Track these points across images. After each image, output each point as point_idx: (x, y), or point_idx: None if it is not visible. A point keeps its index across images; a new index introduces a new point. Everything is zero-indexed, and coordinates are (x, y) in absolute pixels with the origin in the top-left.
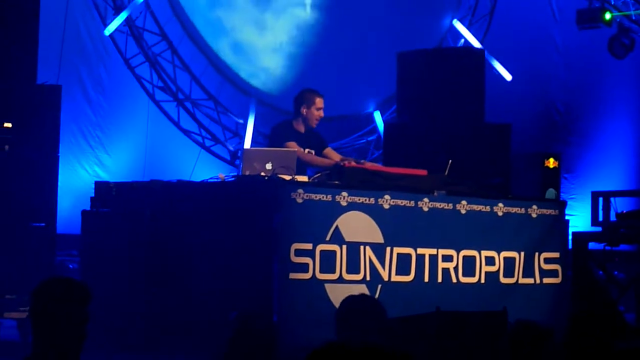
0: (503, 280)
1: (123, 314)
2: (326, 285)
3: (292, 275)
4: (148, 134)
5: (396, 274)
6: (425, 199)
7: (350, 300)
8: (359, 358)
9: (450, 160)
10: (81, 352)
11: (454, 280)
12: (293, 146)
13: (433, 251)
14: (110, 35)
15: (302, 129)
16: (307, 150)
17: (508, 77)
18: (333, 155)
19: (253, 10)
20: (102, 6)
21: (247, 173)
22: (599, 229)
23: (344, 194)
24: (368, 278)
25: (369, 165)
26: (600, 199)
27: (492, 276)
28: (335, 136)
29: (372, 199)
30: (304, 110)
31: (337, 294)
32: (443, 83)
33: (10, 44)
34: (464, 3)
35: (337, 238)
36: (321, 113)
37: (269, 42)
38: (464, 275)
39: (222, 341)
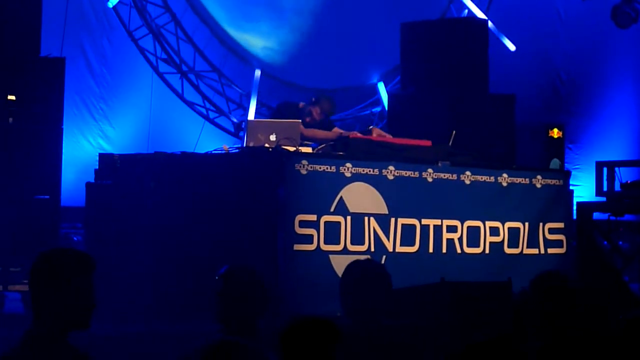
0: (507, 250)
1: (129, 285)
2: (331, 256)
3: (297, 247)
4: (152, 106)
5: (401, 245)
6: (430, 170)
7: (353, 266)
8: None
9: (454, 131)
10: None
11: (459, 250)
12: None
13: (437, 222)
14: (114, 7)
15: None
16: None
17: (512, 47)
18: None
19: None
20: None
21: (251, 144)
22: (603, 199)
23: (348, 165)
24: (372, 249)
25: (376, 132)
26: (605, 169)
27: (496, 246)
28: (339, 108)
29: (376, 170)
30: (309, 104)
31: (341, 265)
32: (447, 54)
33: (14, 17)
34: None
35: (342, 209)
36: (307, 119)
37: (273, 13)
38: (468, 245)
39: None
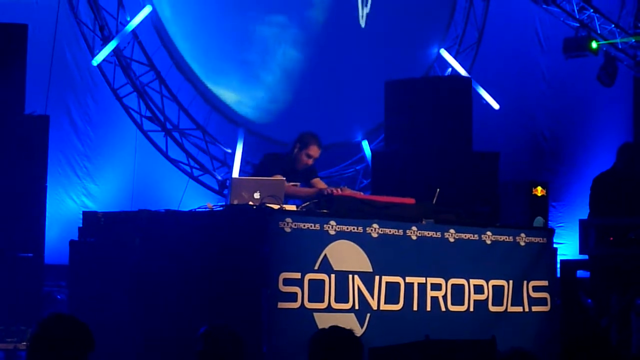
0: (492, 308)
1: (112, 344)
2: (315, 314)
3: (281, 305)
4: (136, 164)
5: (385, 303)
6: (414, 228)
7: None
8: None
9: (438, 189)
10: None
11: (443, 308)
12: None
13: (422, 280)
14: (98, 65)
15: (292, 164)
16: (292, 183)
17: (495, 105)
18: (320, 186)
19: (241, 40)
20: (89, 36)
21: (236, 202)
22: (587, 257)
23: (332, 222)
24: (357, 307)
25: (348, 192)
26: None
27: (481, 304)
28: (323, 165)
29: (360, 228)
30: (295, 150)
31: (326, 324)
32: (431, 112)
33: None
34: (451, 32)
35: (326, 267)
36: (310, 161)
37: (257, 71)
38: (452, 303)
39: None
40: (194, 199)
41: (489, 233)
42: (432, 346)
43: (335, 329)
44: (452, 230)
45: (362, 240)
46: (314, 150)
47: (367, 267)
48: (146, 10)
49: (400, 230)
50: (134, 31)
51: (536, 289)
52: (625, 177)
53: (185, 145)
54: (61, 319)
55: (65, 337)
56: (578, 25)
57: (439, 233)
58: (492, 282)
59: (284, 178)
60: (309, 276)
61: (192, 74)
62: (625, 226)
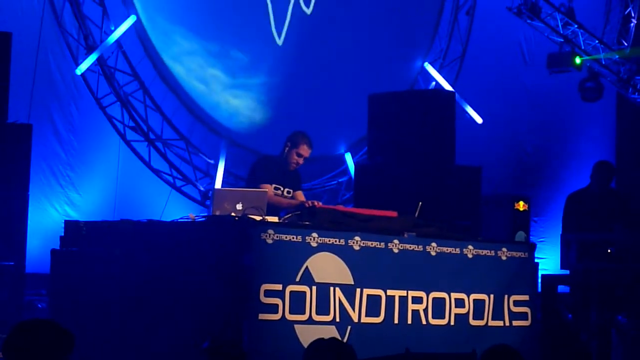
0: (473, 322)
1: (94, 354)
2: (296, 326)
3: (262, 316)
4: (119, 174)
5: (366, 316)
6: (396, 241)
7: (317, 345)
8: None
9: (420, 202)
10: None
11: (424, 321)
12: (265, 187)
13: (403, 293)
14: (82, 74)
15: (284, 165)
16: (286, 190)
17: (479, 119)
18: (301, 199)
19: (223, 49)
20: (73, 45)
21: (218, 213)
22: (568, 272)
23: (314, 234)
24: (338, 319)
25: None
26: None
27: (461, 318)
28: (306, 177)
29: (342, 240)
30: (286, 149)
31: (306, 335)
32: (414, 125)
33: None
34: (435, 46)
35: (307, 279)
36: (300, 160)
37: (240, 82)
38: (433, 317)
39: None
40: (177, 209)
41: (470, 247)
42: (412, 359)
43: (333, 341)
44: (433, 244)
45: (343, 253)
46: (304, 150)
47: (349, 279)
48: (130, 20)
49: (382, 243)
50: (118, 41)
51: (517, 303)
52: (597, 195)
53: (168, 156)
54: (35, 324)
55: (41, 341)
56: (562, 40)
57: (420, 246)
58: (473, 296)
59: (267, 189)
60: (290, 288)
61: (176, 85)
62: (606, 242)
